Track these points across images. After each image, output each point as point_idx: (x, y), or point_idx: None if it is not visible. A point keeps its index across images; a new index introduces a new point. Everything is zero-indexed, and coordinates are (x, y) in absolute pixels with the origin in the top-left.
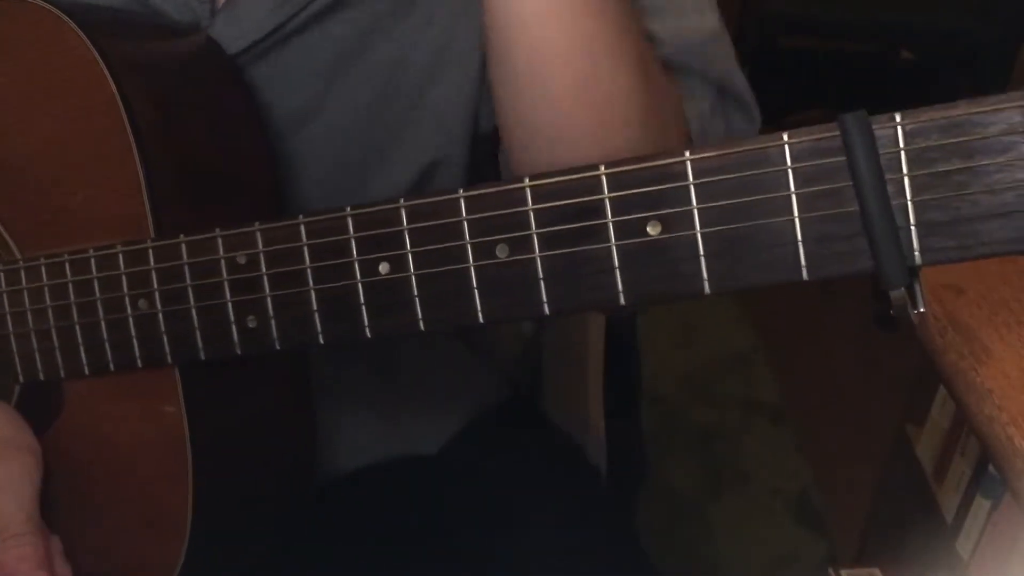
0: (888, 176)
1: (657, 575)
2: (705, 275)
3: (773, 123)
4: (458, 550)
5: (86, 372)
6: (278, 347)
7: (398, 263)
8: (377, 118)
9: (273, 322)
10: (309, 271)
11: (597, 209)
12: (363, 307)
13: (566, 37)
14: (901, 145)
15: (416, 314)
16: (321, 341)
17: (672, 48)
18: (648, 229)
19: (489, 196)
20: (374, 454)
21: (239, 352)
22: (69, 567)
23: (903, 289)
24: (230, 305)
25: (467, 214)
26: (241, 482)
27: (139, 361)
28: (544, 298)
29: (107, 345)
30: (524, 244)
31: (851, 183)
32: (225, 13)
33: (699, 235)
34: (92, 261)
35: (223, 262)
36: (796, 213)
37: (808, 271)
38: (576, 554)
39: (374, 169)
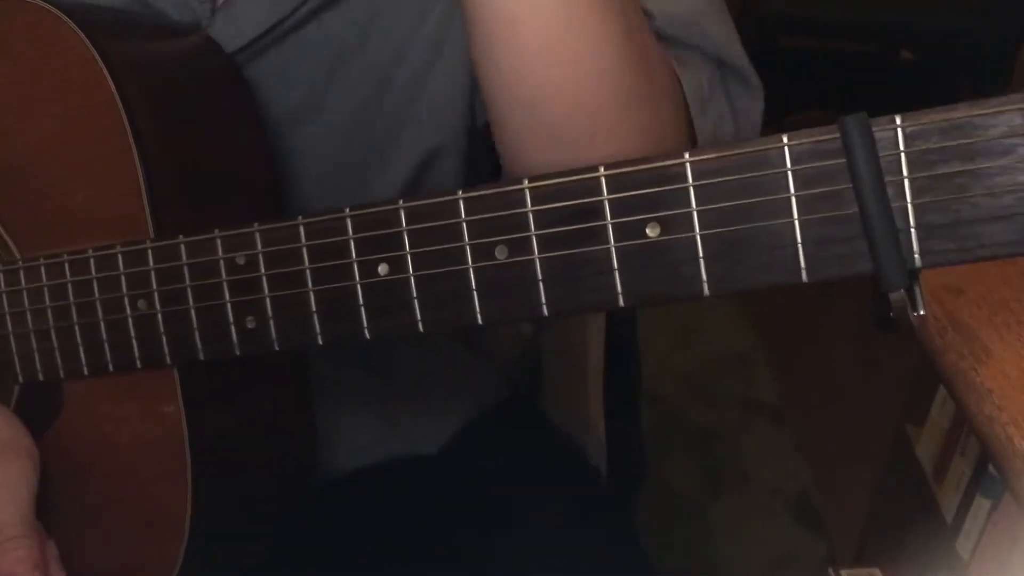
0: (888, 178)
1: (657, 575)
2: (704, 277)
3: (773, 123)
4: (458, 550)
5: (85, 372)
6: (277, 348)
7: (397, 264)
8: (375, 114)
9: (272, 323)
10: (308, 272)
11: (596, 211)
12: (362, 308)
13: (557, 30)
14: (901, 147)
15: (415, 315)
16: (320, 342)
17: (662, 21)
18: (647, 231)
19: (488, 197)
20: (374, 454)
21: (238, 353)
22: (64, 573)
23: (903, 291)
24: (229, 306)
25: (466, 215)
26: (240, 482)
27: (138, 362)
28: (543, 299)
29: (106, 345)
30: (523, 245)
31: (851, 185)
32: (223, 12)
33: (698, 237)
34: (91, 261)
35: (222, 263)
36: (796, 215)
37: (808, 273)
38: (576, 554)
39: (373, 165)
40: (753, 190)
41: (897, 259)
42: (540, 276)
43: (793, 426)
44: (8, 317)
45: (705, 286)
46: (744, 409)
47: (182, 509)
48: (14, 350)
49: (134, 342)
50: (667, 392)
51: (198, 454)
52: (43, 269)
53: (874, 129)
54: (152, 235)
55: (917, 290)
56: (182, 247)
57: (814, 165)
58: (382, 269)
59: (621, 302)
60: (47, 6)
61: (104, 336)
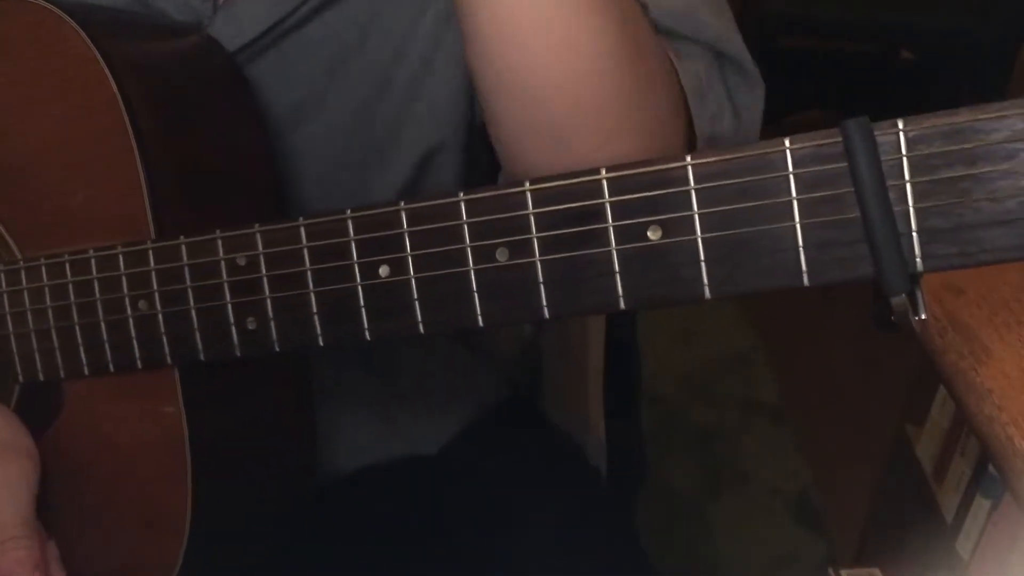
0: (890, 182)
1: (657, 575)
2: (705, 280)
3: (773, 123)
4: (458, 550)
5: (86, 372)
6: (278, 349)
7: (398, 266)
8: (375, 113)
9: (273, 324)
10: (309, 273)
11: (598, 213)
12: (363, 310)
13: (548, 21)
14: (903, 151)
15: (416, 317)
16: (321, 343)
17: (657, 13)
18: (649, 234)
19: (489, 199)
20: (374, 454)
21: (239, 354)
22: (64, 573)
23: (904, 295)
24: (230, 307)
25: (467, 217)
26: (241, 483)
27: (139, 362)
28: (544, 302)
29: (107, 346)
30: (524, 248)
31: (853, 189)
32: (224, 11)
33: (700, 240)
34: (92, 262)
35: (223, 263)
36: (797, 219)
37: (809, 277)
38: (576, 554)
39: (373, 165)
40: (755, 193)
41: (899, 263)
42: (541, 278)
43: (793, 426)
44: (9, 317)
45: (706, 289)
46: (744, 409)
47: (182, 509)
48: (15, 350)
49: (135, 342)
50: (667, 392)
51: (198, 454)
52: (44, 269)
53: (876, 133)
54: (153, 235)
55: (919, 294)
56: (183, 248)
57: (816, 169)
58: (383, 271)
59: (622, 305)
60: (49, 6)
61: (105, 336)
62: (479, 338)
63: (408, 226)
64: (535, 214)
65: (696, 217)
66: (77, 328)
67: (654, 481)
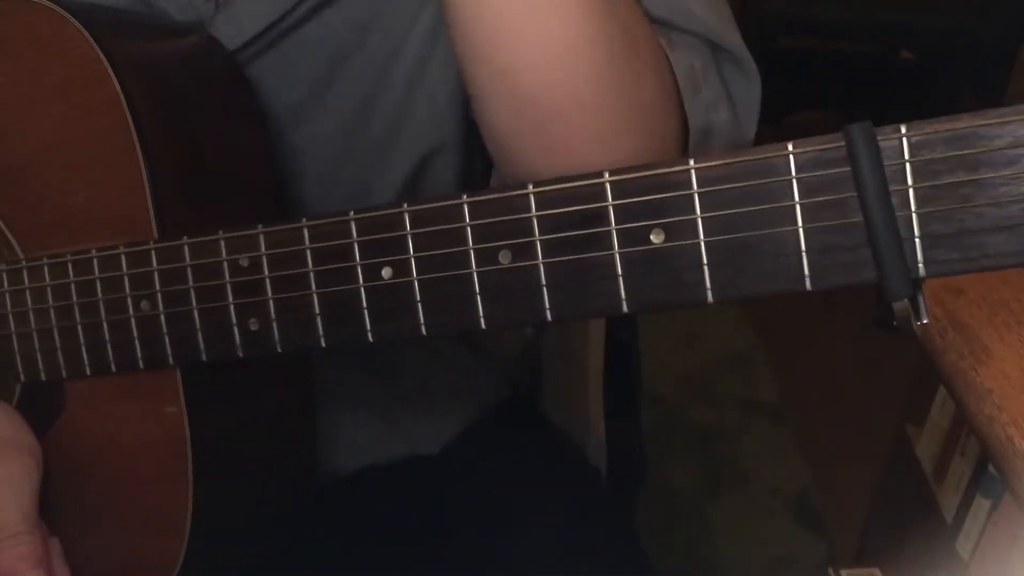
0: (893, 187)
1: (657, 575)
2: (708, 284)
3: (773, 123)
4: (458, 550)
5: (88, 372)
6: (280, 350)
7: (401, 268)
8: (375, 111)
9: (275, 325)
10: (312, 275)
11: (600, 216)
12: (365, 311)
13: (531, 10)
14: (906, 156)
15: (418, 319)
16: (323, 344)
17: (648, 1)
18: (651, 237)
19: (492, 202)
20: (374, 454)
21: (241, 354)
22: (68, 569)
23: (906, 300)
24: (232, 307)
25: (470, 219)
26: (241, 483)
27: (141, 362)
28: (547, 304)
29: (109, 346)
30: (527, 250)
31: (855, 194)
32: (225, 11)
33: (702, 244)
34: (95, 262)
35: (226, 264)
36: (800, 223)
37: (811, 281)
38: (576, 554)
39: (373, 163)
40: (757, 197)
41: (901, 268)
42: (544, 281)
43: (793, 426)
44: (11, 316)
45: (709, 293)
46: (744, 409)
47: (183, 509)
48: (16, 349)
49: (137, 342)
50: (667, 392)
51: (199, 455)
52: (47, 269)
53: (879, 138)
54: (156, 235)
55: (920, 299)
56: (186, 248)
57: (819, 173)
58: (386, 272)
59: (625, 308)
60: (52, 5)
61: (107, 336)
62: (480, 338)
63: (411, 228)
64: (538, 217)
65: (699, 221)
66: (79, 328)
67: (654, 481)
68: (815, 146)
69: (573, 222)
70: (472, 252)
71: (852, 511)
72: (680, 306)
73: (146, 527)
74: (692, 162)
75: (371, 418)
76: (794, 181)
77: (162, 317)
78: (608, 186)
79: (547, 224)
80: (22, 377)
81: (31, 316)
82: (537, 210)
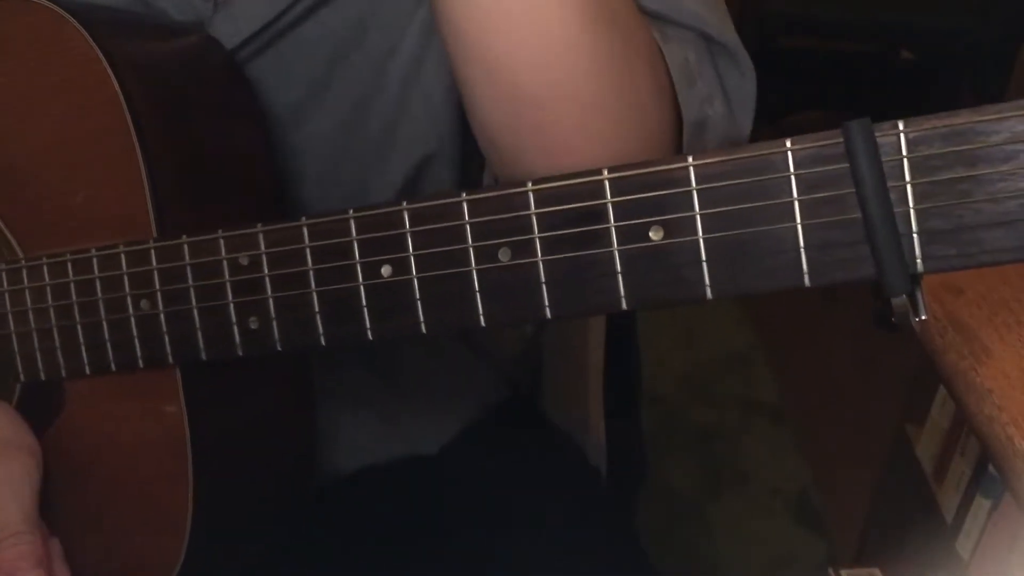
0: (891, 184)
1: (657, 575)
2: (707, 281)
3: (773, 123)
4: (458, 550)
5: (87, 372)
6: (279, 348)
7: (400, 266)
8: (372, 110)
9: (275, 323)
10: (311, 273)
11: (600, 214)
12: (365, 310)
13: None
14: (904, 153)
15: (418, 317)
16: (323, 343)
17: None
18: (651, 234)
19: (492, 200)
20: (374, 454)
21: (240, 353)
22: (68, 568)
23: (905, 296)
24: (232, 306)
25: (469, 217)
26: (241, 482)
27: (140, 361)
28: (546, 302)
29: (108, 345)
30: (526, 248)
31: (854, 190)
32: (223, 10)
33: (701, 241)
34: (94, 261)
35: (225, 263)
36: (799, 220)
37: (810, 278)
38: (576, 554)
39: (372, 163)
40: (756, 194)
41: (900, 264)
42: (543, 279)
43: (793, 426)
44: (10, 316)
45: (708, 290)
46: (744, 409)
47: (183, 508)
48: (16, 349)
49: (136, 342)
50: (667, 392)
51: (199, 454)
52: (46, 268)
53: (877, 134)
54: (155, 234)
55: (919, 295)
56: (185, 247)
57: (817, 170)
58: (385, 271)
59: (624, 305)
60: (51, 5)
61: (106, 335)
62: (480, 337)
63: (410, 226)
64: (537, 214)
65: (698, 218)
66: (79, 327)
67: (654, 481)
68: (813, 143)
69: (572, 219)
70: (471, 250)
71: (852, 511)
72: (679, 303)
73: (146, 526)
74: (691, 159)
75: (371, 417)
76: (792, 178)
77: (162, 316)
78: (607, 183)
79: (546, 221)
80: (22, 377)
81: (30, 315)
82: (536, 208)
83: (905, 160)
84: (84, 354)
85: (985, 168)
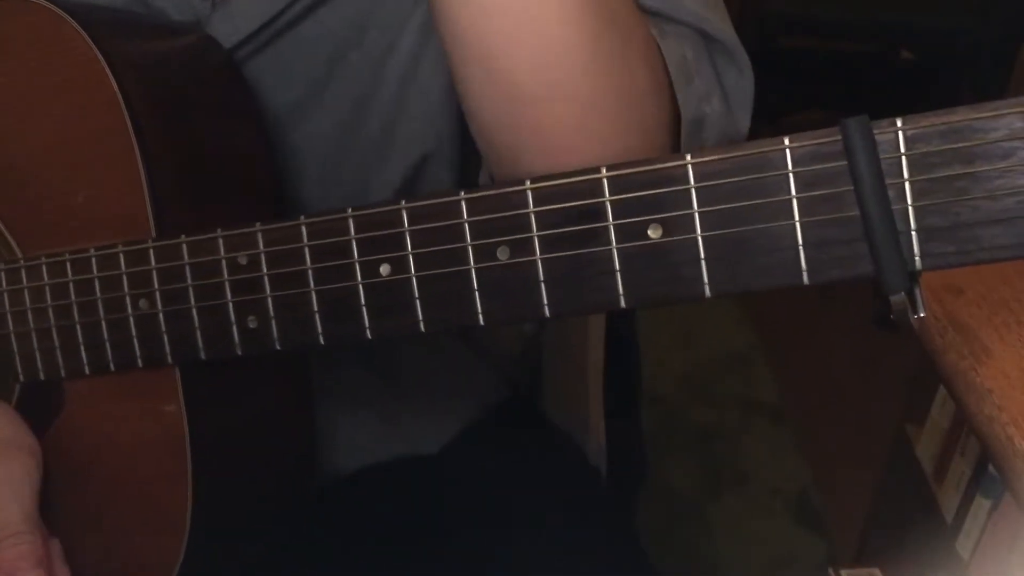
0: (889, 181)
1: (657, 575)
2: (706, 279)
3: (773, 123)
4: (458, 550)
5: (87, 371)
6: (279, 347)
7: (399, 264)
8: (371, 109)
9: (274, 323)
10: (310, 272)
11: (598, 212)
12: (364, 308)
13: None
14: (902, 150)
15: (417, 315)
16: (322, 342)
17: None
18: (649, 232)
19: (490, 198)
20: (374, 454)
21: (240, 352)
22: (68, 568)
23: (903, 294)
24: (231, 305)
25: (468, 216)
26: (241, 482)
27: (140, 361)
28: (545, 300)
29: (108, 345)
30: (525, 246)
31: (852, 188)
32: (221, 10)
33: (700, 239)
34: (93, 260)
35: (224, 262)
36: (797, 217)
37: (809, 275)
38: (576, 554)
39: (371, 163)
40: (754, 192)
41: (898, 262)
42: (542, 277)
43: (793, 426)
44: (9, 316)
45: (707, 288)
46: (744, 409)
47: (183, 508)
48: (15, 349)
49: (135, 341)
50: (667, 392)
51: (199, 453)
52: (45, 268)
53: (875, 132)
54: (154, 234)
55: (917, 292)
56: (184, 247)
57: (815, 167)
58: (384, 269)
59: (623, 303)
60: (50, 6)
61: (106, 335)
62: (480, 336)
63: (409, 225)
64: (536, 213)
65: (696, 215)
66: (78, 327)
67: (654, 481)
68: (811, 140)
69: (571, 218)
70: (470, 248)
71: (852, 511)
72: (678, 301)
73: (146, 526)
74: (689, 157)
75: (370, 417)
76: (791, 175)
77: (161, 316)
78: (605, 182)
79: (545, 220)
80: (21, 377)
81: (29, 315)
82: (535, 206)
83: (903, 157)
84: (83, 354)
85: (983, 165)
